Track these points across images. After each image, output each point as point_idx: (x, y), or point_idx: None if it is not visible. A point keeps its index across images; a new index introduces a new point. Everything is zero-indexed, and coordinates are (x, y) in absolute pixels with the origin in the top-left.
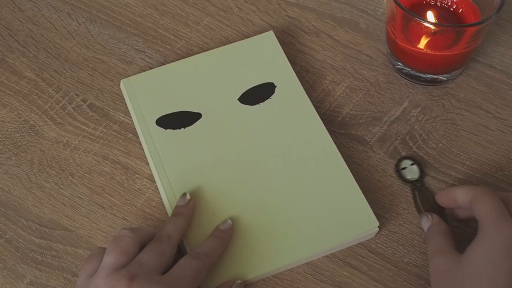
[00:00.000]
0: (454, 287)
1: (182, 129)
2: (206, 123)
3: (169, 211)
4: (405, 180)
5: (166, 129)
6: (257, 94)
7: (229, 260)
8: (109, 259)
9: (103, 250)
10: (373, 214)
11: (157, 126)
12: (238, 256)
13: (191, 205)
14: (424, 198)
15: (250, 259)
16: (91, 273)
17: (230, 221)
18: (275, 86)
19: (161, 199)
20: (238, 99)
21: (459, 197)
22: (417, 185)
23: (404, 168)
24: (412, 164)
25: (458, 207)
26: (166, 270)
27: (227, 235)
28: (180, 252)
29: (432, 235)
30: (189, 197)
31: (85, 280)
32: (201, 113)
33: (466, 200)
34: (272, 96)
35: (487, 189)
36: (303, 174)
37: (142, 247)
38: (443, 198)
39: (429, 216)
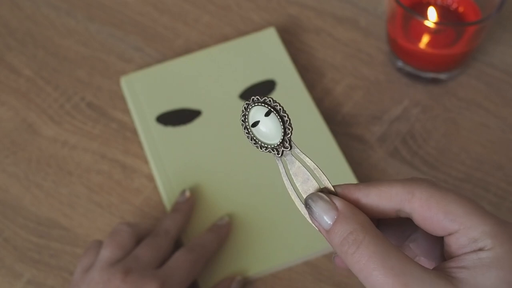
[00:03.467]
0: None
1: (183, 126)
2: (206, 120)
3: (168, 207)
4: (263, 146)
5: (166, 126)
6: (258, 91)
7: (230, 256)
8: (105, 253)
9: (99, 244)
10: None
11: (157, 123)
12: (238, 252)
13: (190, 202)
14: (299, 171)
15: (250, 256)
16: (86, 267)
17: (227, 218)
18: (276, 84)
19: (160, 198)
20: (239, 96)
21: (376, 198)
22: (284, 150)
23: (256, 124)
24: (268, 114)
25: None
26: (162, 264)
27: (224, 230)
28: (178, 248)
29: (356, 244)
30: (188, 194)
31: (80, 274)
32: (202, 110)
33: (391, 203)
34: (272, 93)
35: (430, 182)
36: None
37: (139, 241)
38: (349, 195)
39: (328, 202)
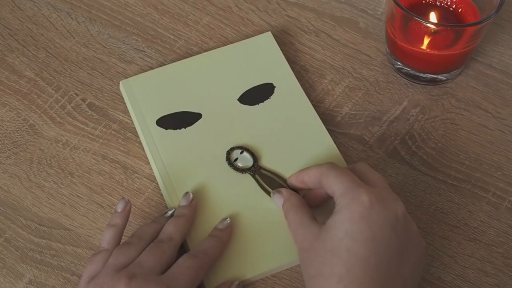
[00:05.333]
0: (316, 263)
1: (183, 129)
2: (206, 123)
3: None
4: (242, 170)
5: (166, 129)
6: (257, 95)
7: (228, 260)
8: (111, 260)
9: (105, 251)
10: None
11: (158, 127)
12: (237, 256)
13: (193, 205)
14: (268, 180)
15: (249, 259)
16: (92, 274)
17: (228, 219)
18: (274, 87)
19: (160, 198)
20: (237, 100)
21: (307, 179)
22: (256, 170)
23: (236, 160)
24: (241, 153)
25: (309, 189)
26: (166, 270)
27: (226, 234)
28: (184, 252)
29: (288, 211)
30: (191, 196)
31: (86, 280)
32: (201, 113)
33: (315, 181)
34: (271, 96)
35: (332, 164)
36: None
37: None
38: (294, 181)
39: (280, 192)
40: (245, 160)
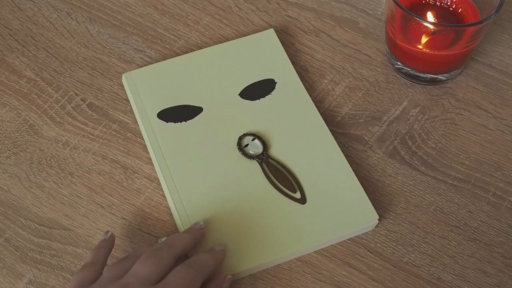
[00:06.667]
0: None
1: (184, 122)
2: (207, 117)
3: (171, 202)
4: (251, 156)
5: (167, 122)
6: (258, 90)
7: (228, 251)
8: (105, 274)
9: (92, 264)
10: (373, 207)
11: (159, 119)
12: (235, 249)
13: (202, 231)
14: (273, 168)
15: (242, 252)
16: (82, 282)
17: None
18: (276, 83)
19: (160, 198)
20: (238, 94)
21: None
22: (263, 158)
23: (247, 145)
24: (253, 140)
25: None
26: (162, 278)
27: (221, 255)
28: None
29: None
30: (202, 225)
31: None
32: (202, 107)
33: None
34: (272, 92)
35: None
36: (303, 168)
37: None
38: None
39: None
40: (255, 147)
